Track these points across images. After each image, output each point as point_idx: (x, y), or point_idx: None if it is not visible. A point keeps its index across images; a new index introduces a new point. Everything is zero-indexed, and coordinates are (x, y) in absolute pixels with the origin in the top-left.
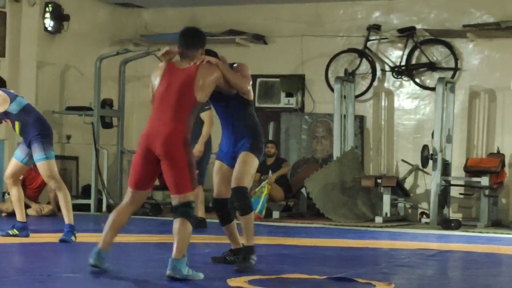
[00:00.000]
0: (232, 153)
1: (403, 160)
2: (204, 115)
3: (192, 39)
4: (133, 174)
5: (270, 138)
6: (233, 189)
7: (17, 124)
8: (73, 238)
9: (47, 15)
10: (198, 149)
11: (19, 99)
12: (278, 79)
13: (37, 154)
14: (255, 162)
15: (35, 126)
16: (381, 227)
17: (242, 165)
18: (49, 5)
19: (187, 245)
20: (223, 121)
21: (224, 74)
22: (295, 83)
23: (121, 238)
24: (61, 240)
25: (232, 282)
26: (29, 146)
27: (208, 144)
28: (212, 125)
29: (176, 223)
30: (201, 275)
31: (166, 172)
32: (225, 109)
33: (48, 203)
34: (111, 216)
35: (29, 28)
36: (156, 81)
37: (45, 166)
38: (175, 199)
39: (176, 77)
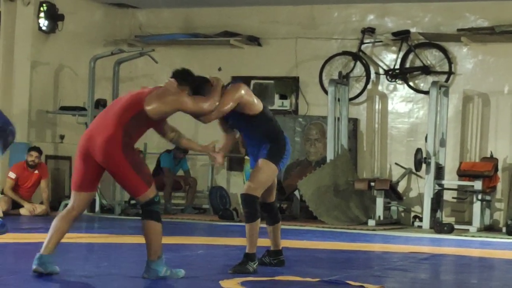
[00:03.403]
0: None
1: (396, 164)
2: None
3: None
4: (74, 176)
5: None
6: (241, 195)
7: None
8: None
9: (42, 14)
10: None
11: None
12: (272, 81)
13: None
14: (271, 169)
15: None
16: (374, 230)
17: (256, 173)
18: (44, 5)
19: (160, 245)
20: (241, 133)
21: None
22: (289, 85)
23: (115, 239)
24: None
25: (224, 283)
26: None
27: None
28: None
29: (144, 225)
30: (181, 273)
31: (115, 179)
32: (238, 122)
33: (41, 203)
34: (55, 222)
35: (23, 27)
36: None
37: None
38: (137, 201)
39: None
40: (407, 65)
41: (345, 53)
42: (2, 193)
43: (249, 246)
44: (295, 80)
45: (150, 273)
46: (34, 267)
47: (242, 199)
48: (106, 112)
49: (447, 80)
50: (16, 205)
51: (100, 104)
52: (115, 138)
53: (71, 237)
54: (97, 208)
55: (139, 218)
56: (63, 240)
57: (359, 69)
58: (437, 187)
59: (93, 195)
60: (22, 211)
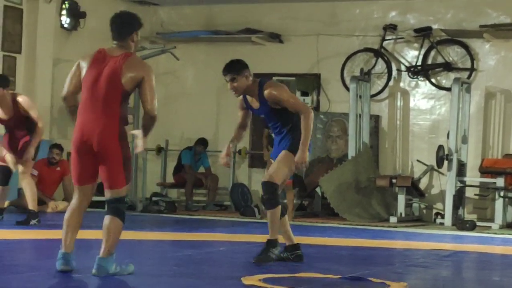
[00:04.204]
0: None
1: (418, 160)
2: None
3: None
4: (74, 171)
5: None
6: (262, 183)
7: None
8: None
9: (64, 12)
10: None
11: None
12: (293, 78)
13: None
14: (292, 160)
15: None
16: (395, 227)
17: (278, 163)
18: (66, 2)
19: (116, 243)
20: (270, 125)
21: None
22: (311, 82)
23: (137, 236)
24: None
25: (246, 280)
26: None
27: None
28: None
29: (107, 220)
30: (131, 268)
31: (101, 167)
32: (270, 115)
33: (64, 199)
34: (67, 216)
35: (46, 25)
36: (83, 70)
37: None
38: (107, 193)
39: (104, 65)
40: (429, 61)
41: (366, 49)
42: None
43: (271, 232)
44: (317, 77)
45: (100, 270)
46: (61, 267)
47: (263, 186)
48: (93, 99)
49: (469, 77)
50: (38, 202)
51: None
52: (113, 127)
53: (94, 234)
54: None
55: (161, 214)
56: (86, 237)
57: (380, 66)
58: (459, 184)
59: (96, 184)
60: (45, 208)
